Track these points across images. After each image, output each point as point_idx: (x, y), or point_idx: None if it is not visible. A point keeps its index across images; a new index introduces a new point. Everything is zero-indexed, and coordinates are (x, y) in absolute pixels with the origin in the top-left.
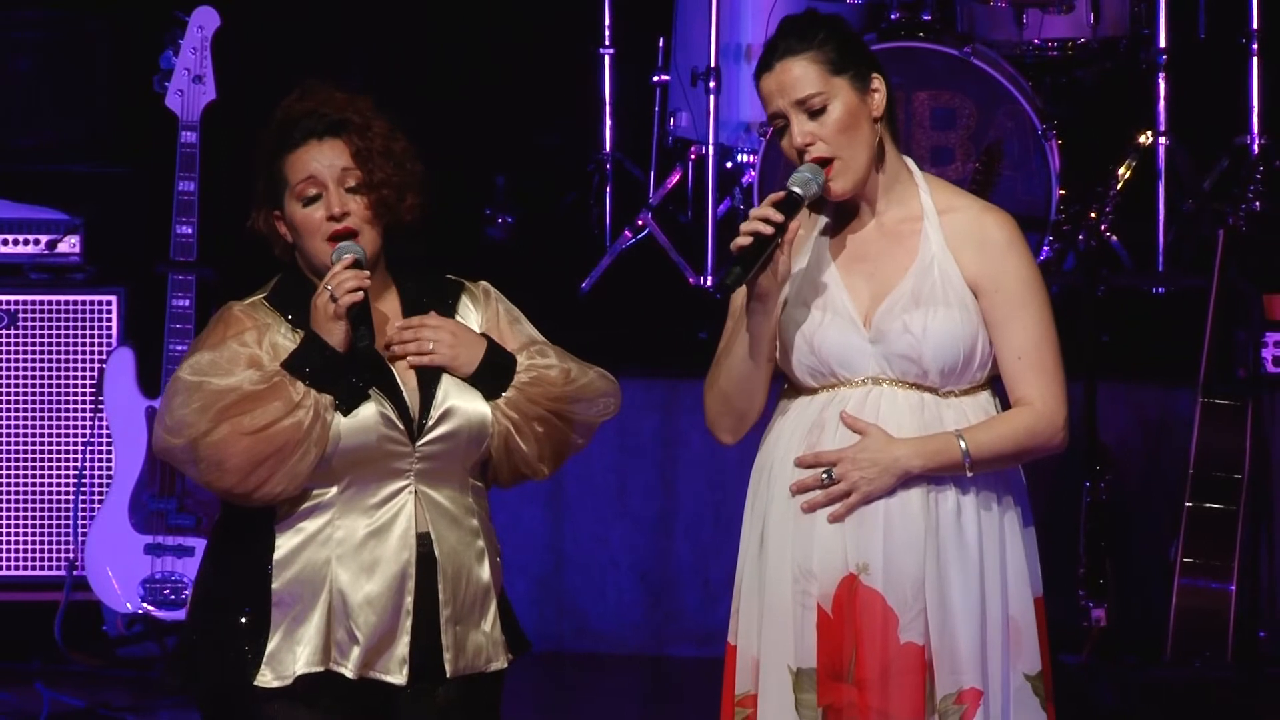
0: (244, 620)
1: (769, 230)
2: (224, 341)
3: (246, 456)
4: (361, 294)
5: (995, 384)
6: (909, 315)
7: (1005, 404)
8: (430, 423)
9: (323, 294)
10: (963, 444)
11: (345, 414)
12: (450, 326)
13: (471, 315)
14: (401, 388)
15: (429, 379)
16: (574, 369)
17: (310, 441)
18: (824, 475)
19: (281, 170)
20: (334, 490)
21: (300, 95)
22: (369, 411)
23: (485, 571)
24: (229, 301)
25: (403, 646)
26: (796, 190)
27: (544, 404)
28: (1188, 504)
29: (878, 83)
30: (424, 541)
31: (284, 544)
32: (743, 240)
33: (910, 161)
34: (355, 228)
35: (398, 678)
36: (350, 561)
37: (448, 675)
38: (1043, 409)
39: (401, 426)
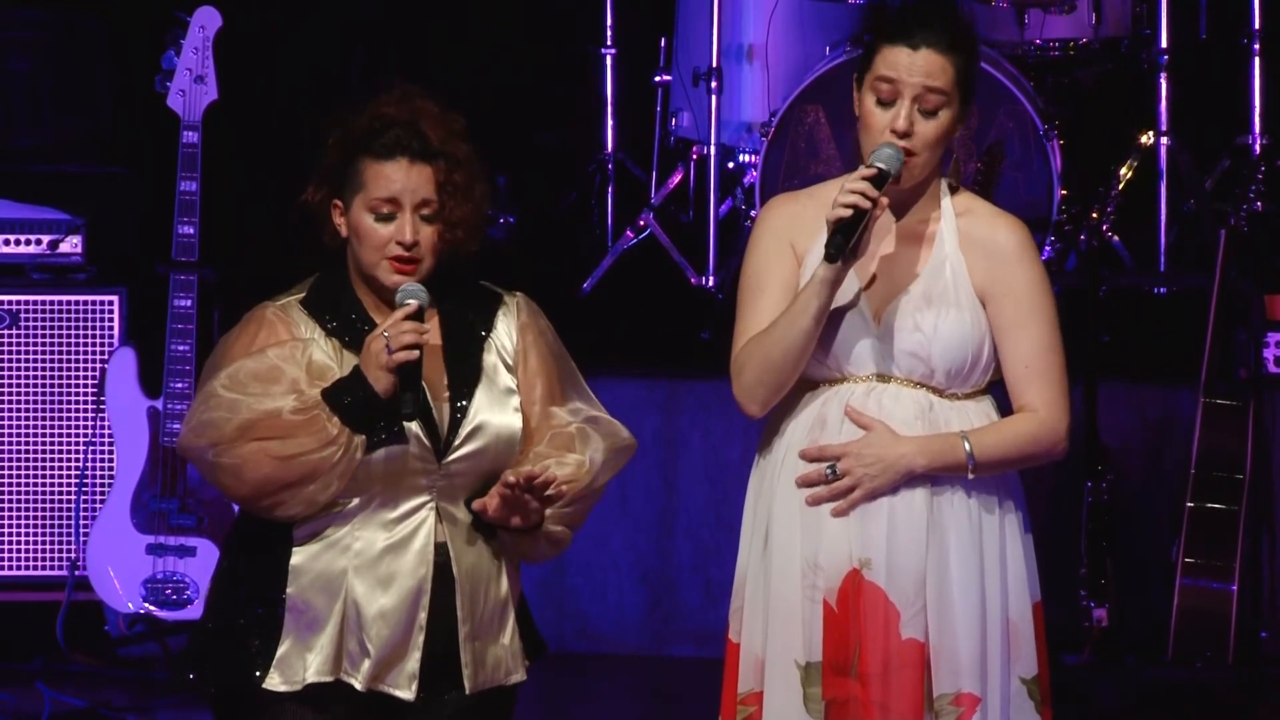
0: (255, 622)
1: (867, 204)
2: (261, 350)
3: (268, 477)
4: (416, 354)
5: (994, 390)
6: (920, 314)
7: (1003, 411)
8: (458, 440)
9: (378, 339)
10: (967, 445)
11: (373, 453)
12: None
13: (505, 335)
14: (431, 404)
15: (460, 394)
16: (597, 461)
17: (334, 475)
18: (828, 470)
19: (361, 172)
20: (355, 501)
21: (399, 98)
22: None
23: (503, 584)
24: (248, 304)
25: (414, 662)
26: (883, 166)
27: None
28: (1189, 504)
29: (970, 114)
30: (441, 551)
31: (302, 550)
32: (842, 212)
33: None
34: (421, 257)
35: (406, 693)
36: (367, 574)
37: (467, 691)
38: (1047, 417)
39: (429, 444)
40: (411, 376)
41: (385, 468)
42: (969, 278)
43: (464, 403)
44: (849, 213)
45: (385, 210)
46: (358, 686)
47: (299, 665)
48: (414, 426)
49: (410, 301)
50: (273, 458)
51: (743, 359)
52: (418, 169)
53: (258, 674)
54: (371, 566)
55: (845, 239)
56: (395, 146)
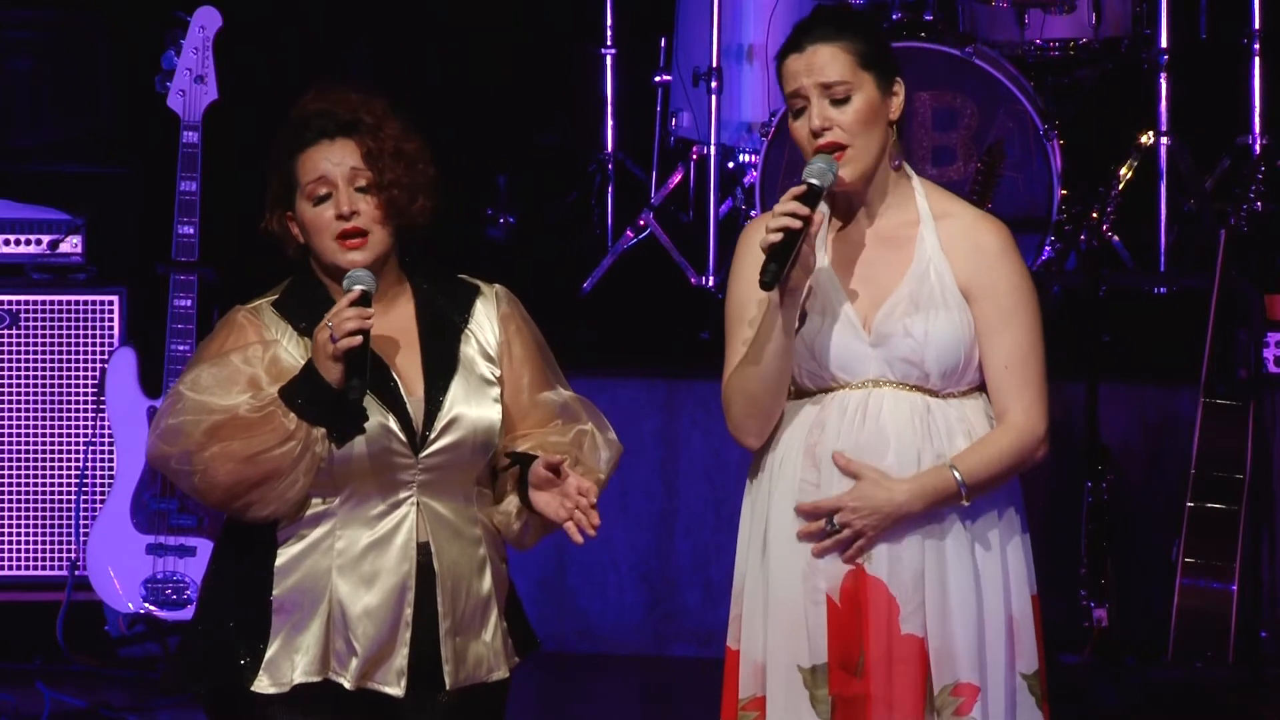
0: (243, 625)
1: (797, 224)
2: (226, 356)
3: (235, 478)
4: (360, 339)
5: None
6: (910, 319)
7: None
8: (434, 434)
9: (324, 330)
10: (957, 474)
11: (339, 446)
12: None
13: (485, 325)
14: (405, 398)
15: (436, 386)
16: (602, 478)
17: (298, 471)
18: (828, 525)
19: (293, 170)
20: (336, 500)
21: (314, 96)
22: (372, 424)
23: (486, 581)
24: (235, 305)
25: (401, 658)
26: (814, 181)
27: None
28: (1189, 504)
29: (899, 87)
30: (424, 551)
31: (286, 551)
32: (773, 237)
33: (908, 167)
34: (364, 227)
35: (395, 689)
36: (350, 573)
37: (447, 688)
38: (1024, 424)
39: (404, 439)
40: (357, 362)
41: (361, 464)
42: (954, 278)
43: (440, 396)
44: (780, 237)
45: (321, 191)
46: (347, 685)
47: (286, 666)
48: (389, 420)
49: (355, 287)
50: (236, 459)
51: (728, 394)
52: (339, 144)
53: (246, 677)
54: (355, 565)
55: (780, 266)
56: (315, 132)
